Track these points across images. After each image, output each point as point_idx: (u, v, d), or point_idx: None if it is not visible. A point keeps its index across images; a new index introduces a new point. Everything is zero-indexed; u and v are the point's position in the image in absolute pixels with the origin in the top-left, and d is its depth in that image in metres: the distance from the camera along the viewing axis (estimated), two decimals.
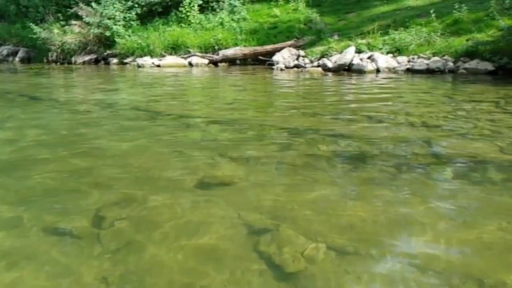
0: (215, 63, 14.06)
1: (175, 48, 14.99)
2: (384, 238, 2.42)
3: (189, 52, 14.59)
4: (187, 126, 5.35)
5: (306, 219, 2.67)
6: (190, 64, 14.12)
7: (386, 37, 11.75)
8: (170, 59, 14.40)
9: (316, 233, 2.47)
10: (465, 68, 9.61)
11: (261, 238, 2.45)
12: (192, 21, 15.88)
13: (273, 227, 2.56)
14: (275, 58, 12.88)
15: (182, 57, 14.47)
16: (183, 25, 15.92)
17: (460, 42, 10.46)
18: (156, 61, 14.46)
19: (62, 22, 18.07)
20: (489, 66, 9.37)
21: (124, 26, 16.32)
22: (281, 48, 13.23)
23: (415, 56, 10.71)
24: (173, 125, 5.44)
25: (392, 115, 5.42)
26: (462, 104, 6.05)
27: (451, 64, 9.90)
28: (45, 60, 17.51)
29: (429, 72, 9.90)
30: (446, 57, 10.26)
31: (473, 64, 9.59)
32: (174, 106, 6.80)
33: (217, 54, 14.18)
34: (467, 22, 11.17)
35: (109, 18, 16.09)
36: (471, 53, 9.94)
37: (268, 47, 13.69)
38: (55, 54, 17.30)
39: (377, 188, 3.13)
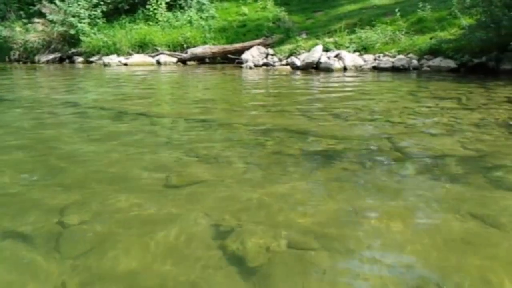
0: (183, 61, 13.95)
1: (142, 47, 14.80)
2: (348, 233, 2.45)
3: (157, 50, 14.43)
4: (154, 125, 5.28)
5: (272, 216, 2.68)
6: (158, 63, 13.96)
7: (352, 36, 11.95)
8: (137, 58, 14.19)
9: (280, 230, 2.48)
10: (428, 66, 9.87)
11: (227, 236, 2.45)
12: (160, 19, 15.71)
13: (239, 225, 2.56)
14: (244, 56, 12.89)
15: (150, 56, 14.29)
16: (150, 23, 15.73)
17: (424, 40, 10.74)
18: (123, 59, 14.23)
19: (25, 20, 17.57)
20: (451, 63, 9.65)
21: (89, 24, 16.00)
22: (250, 47, 13.25)
23: (381, 54, 10.92)
24: (140, 124, 5.36)
25: (358, 112, 5.51)
26: (425, 101, 6.21)
27: (415, 62, 10.15)
28: (7, 59, 16.96)
29: (394, 70, 10.12)
30: (410, 55, 10.51)
31: (437, 61, 9.86)
32: (141, 105, 6.70)
33: (186, 53, 14.08)
34: (430, 21, 11.47)
35: (73, 16, 15.74)
36: (434, 51, 10.22)
37: (237, 46, 13.70)
38: (17, 53, 16.82)
39: (342, 185, 3.17)
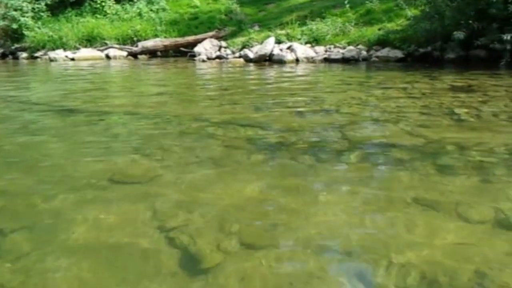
0: (134, 55, 13.62)
1: (90, 40, 14.31)
2: (301, 227, 2.46)
3: (105, 44, 14.00)
4: (102, 121, 5.11)
5: (223, 212, 2.65)
6: (108, 57, 13.55)
7: (304, 28, 12.06)
8: (85, 52, 13.71)
9: (231, 226, 2.46)
10: (377, 56, 10.12)
11: (176, 234, 2.40)
12: (108, 11, 15.25)
13: (188, 222, 2.51)
14: (197, 49, 12.74)
15: (99, 50, 13.85)
16: (98, 16, 15.24)
17: (372, 32, 11.00)
18: (69, 54, 13.71)
19: None
20: (399, 53, 9.95)
21: (33, 17, 15.29)
22: (203, 39, 13.11)
23: (332, 46, 11.10)
24: (87, 121, 5.18)
25: (309, 103, 5.57)
26: (373, 91, 6.36)
27: (364, 53, 10.38)
28: None
29: (344, 61, 10.30)
30: (360, 46, 10.74)
31: (385, 52, 10.13)
32: (89, 101, 6.47)
33: (136, 46, 13.75)
34: (378, 12, 11.76)
35: (15, 10, 14.99)
36: (382, 42, 10.49)
37: (190, 38, 13.52)
38: None
39: (294, 176, 3.19)
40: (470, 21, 8.45)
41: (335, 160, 3.48)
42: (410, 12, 10.06)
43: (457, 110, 4.78)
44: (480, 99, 5.38)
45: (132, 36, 14.20)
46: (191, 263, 2.16)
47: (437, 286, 1.89)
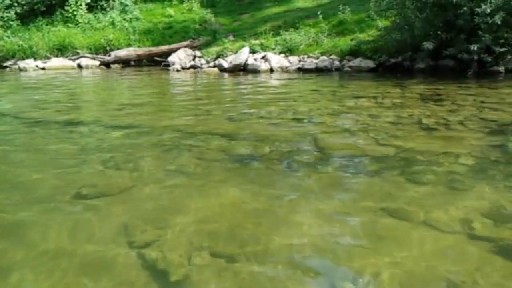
0: (107, 64, 13.45)
1: (61, 50, 14.06)
2: (273, 238, 2.45)
3: (77, 53, 13.78)
4: (72, 133, 5.01)
5: (193, 225, 2.62)
6: (80, 66, 13.34)
7: (278, 38, 12.15)
8: (56, 62, 13.46)
9: (202, 239, 2.43)
10: (350, 66, 10.28)
11: (146, 248, 2.36)
12: (80, 20, 15.05)
13: (158, 236, 2.47)
14: (171, 58, 12.68)
15: (70, 59, 13.63)
16: (70, 25, 15.01)
17: (345, 42, 11.17)
18: (40, 63, 13.43)
19: None
20: (370, 63, 10.12)
21: (2, 26, 14.94)
22: (177, 49, 13.06)
23: (305, 56, 11.21)
24: (56, 132, 5.07)
25: (282, 113, 5.59)
26: (346, 100, 6.44)
27: (337, 63, 10.52)
28: None
29: (318, 70, 10.42)
30: (333, 56, 10.88)
31: (357, 62, 10.29)
32: (59, 111, 6.34)
33: (109, 55, 13.58)
34: (350, 23, 11.95)
35: None
36: (354, 52, 10.66)
37: (164, 48, 13.45)
38: None
39: (267, 187, 3.19)
40: (439, 32, 8.68)
41: (307, 170, 3.50)
42: (381, 23, 10.27)
43: (425, 120, 4.88)
44: (448, 108, 5.51)
45: (105, 45, 14.03)
46: (160, 277, 2.13)
47: None
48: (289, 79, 9.62)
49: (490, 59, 8.43)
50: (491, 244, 2.29)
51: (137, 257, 2.30)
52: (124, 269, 2.20)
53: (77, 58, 13.56)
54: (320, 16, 12.15)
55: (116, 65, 13.51)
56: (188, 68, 12.29)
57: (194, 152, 4.10)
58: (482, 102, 5.88)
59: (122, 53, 13.52)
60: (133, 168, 3.64)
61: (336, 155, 3.88)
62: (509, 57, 8.73)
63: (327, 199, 2.94)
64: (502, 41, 8.34)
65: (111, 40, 14.05)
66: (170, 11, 15.89)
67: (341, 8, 12.13)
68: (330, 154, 3.90)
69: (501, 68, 8.69)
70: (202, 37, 13.73)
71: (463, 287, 1.94)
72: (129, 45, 13.99)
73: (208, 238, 2.45)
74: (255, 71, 10.83)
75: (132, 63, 13.69)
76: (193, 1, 16.08)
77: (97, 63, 13.46)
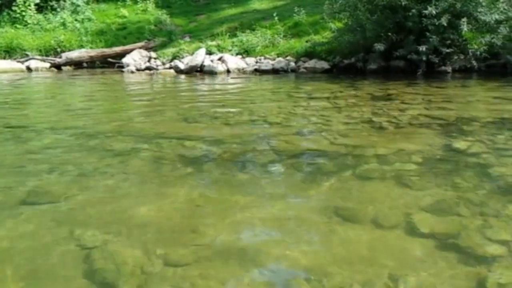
0: (58, 66, 12.99)
1: (9, 52, 13.44)
2: (226, 241, 2.43)
3: (26, 55, 13.22)
4: (18, 138, 4.80)
5: (143, 231, 2.56)
6: (29, 69, 12.81)
7: (234, 39, 12.15)
8: (3, 64, 12.84)
9: (153, 246, 2.38)
10: (305, 67, 10.42)
11: (95, 257, 2.28)
12: (29, 21, 14.46)
13: (108, 244, 2.41)
14: (125, 60, 12.42)
15: (19, 61, 13.05)
16: (18, 25, 14.39)
17: (300, 44, 11.31)
18: None
19: None
20: (325, 64, 10.30)
21: None
22: (131, 50, 12.81)
23: (262, 57, 11.27)
24: (1, 138, 4.85)
25: (238, 115, 5.59)
26: (300, 101, 6.53)
27: (293, 64, 10.64)
28: None
29: (274, 72, 10.50)
30: (288, 57, 10.99)
31: (312, 63, 10.45)
32: (4, 116, 6.06)
33: (60, 57, 13.13)
34: (305, 25, 12.11)
35: None
36: (309, 53, 10.81)
37: (117, 49, 13.16)
38: None
39: (221, 189, 3.18)
40: (389, 34, 8.95)
41: (261, 171, 3.52)
42: (334, 25, 10.47)
43: (376, 119, 5.01)
44: (398, 107, 5.69)
45: (56, 47, 13.55)
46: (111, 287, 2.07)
47: None
48: (246, 80, 9.64)
49: (437, 60, 8.79)
50: (434, 239, 2.37)
51: (85, 267, 2.22)
52: (72, 280, 2.13)
53: (26, 60, 13.01)
54: (276, 18, 12.24)
55: (68, 67, 13.08)
56: (143, 70, 12.08)
57: (147, 155, 4.03)
58: (430, 101, 6.12)
59: (74, 54, 13.11)
60: (81, 173, 3.53)
61: (290, 156, 3.91)
62: (455, 57, 9.14)
63: (280, 199, 2.96)
64: (448, 42, 8.72)
65: (62, 42, 13.59)
66: (124, 11, 15.55)
67: (296, 10, 12.27)
68: (283, 155, 3.93)
69: (448, 68, 9.09)
70: (158, 38, 13.53)
71: (405, 280, 2.00)
72: (81, 46, 13.58)
73: (160, 243, 2.41)
74: (212, 73, 10.78)
75: (85, 65, 13.30)
76: (148, 1, 15.80)
77: (48, 65, 12.97)
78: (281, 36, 11.85)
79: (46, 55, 13.41)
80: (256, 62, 11.15)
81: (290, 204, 2.90)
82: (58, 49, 13.53)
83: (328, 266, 2.13)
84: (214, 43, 12.16)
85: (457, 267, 2.11)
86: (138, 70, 12.05)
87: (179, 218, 2.73)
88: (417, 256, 2.24)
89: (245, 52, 11.69)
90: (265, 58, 11.22)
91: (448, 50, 8.68)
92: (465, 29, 8.30)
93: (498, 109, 5.53)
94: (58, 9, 15.15)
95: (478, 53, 8.71)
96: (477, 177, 3.20)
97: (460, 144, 3.96)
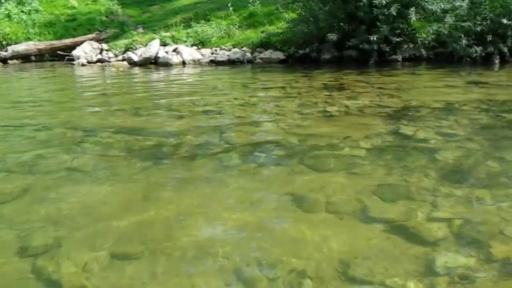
0: (3, 60, 12.41)
1: None
2: (176, 235, 2.41)
3: None
4: None
5: (90, 228, 2.50)
6: None
7: (189, 30, 11.99)
8: None
9: (100, 242, 2.33)
10: (261, 58, 10.43)
11: (40, 256, 2.21)
12: None
13: (53, 242, 2.33)
14: (76, 52, 12.02)
15: None
16: None
17: (255, 34, 11.30)
18: None
19: None
20: (280, 55, 10.35)
21: None
22: (82, 42, 12.41)
23: (218, 48, 11.19)
24: None
25: (192, 107, 5.53)
26: (256, 92, 6.54)
27: (249, 55, 10.62)
28: None
29: (230, 63, 10.45)
30: (244, 48, 10.96)
31: (267, 54, 10.47)
32: None
33: (6, 51, 12.55)
34: (260, 16, 12.11)
35: None
36: (265, 44, 10.82)
37: (67, 41, 12.72)
38: None
39: (173, 182, 3.15)
40: (342, 24, 9.09)
41: (215, 162, 3.50)
42: (288, 15, 10.52)
43: (329, 108, 5.09)
44: (349, 96, 5.81)
45: (1, 40, 12.94)
46: (56, 286, 2.01)
47: (303, 277, 1.98)
48: (201, 72, 9.55)
49: (388, 49, 9.03)
50: (384, 223, 2.44)
51: (30, 266, 2.15)
52: (16, 281, 2.05)
53: None
54: (231, 8, 12.16)
55: (15, 60, 12.52)
56: (95, 62, 11.73)
57: (97, 149, 3.93)
58: (380, 89, 6.28)
59: (21, 47, 12.56)
60: (29, 170, 3.40)
61: (245, 146, 3.91)
62: (405, 46, 9.41)
63: (234, 190, 2.97)
64: (398, 31, 8.96)
65: (8, 34, 13.00)
66: (73, 2, 15.00)
67: (251, 1, 12.23)
68: (238, 146, 3.92)
69: (399, 57, 9.35)
70: (109, 29, 13.15)
71: (356, 264, 2.06)
72: (28, 39, 13.03)
73: (107, 240, 2.36)
74: (167, 64, 10.61)
75: (33, 58, 12.77)
76: None
77: None
78: (237, 26, 11.80)
79: None
80: (212, 53, 11.06)
81: (243, 194, 2.90)
82: (4, 42, 12.93)
83: (280, 254, 2.16)
84: (168, 34, 11.95)
85: (407, 251, 2.17)
86: (89, 62, 11.69)
87: (128, 213, 2.67)
88: (368, 241, 2.29)
89: (200, 43, 11.56)
90: (221, 49, 11.15)
91: (398, 39, 8.93)
92: (414, 18, 8.55)
93: (444, 95, 5.75)
94: (2, 0, 14.42)
95: (427, 42, 9.02)
96: (424, 161, 3.31)
97: (408, 130, 4.09)
